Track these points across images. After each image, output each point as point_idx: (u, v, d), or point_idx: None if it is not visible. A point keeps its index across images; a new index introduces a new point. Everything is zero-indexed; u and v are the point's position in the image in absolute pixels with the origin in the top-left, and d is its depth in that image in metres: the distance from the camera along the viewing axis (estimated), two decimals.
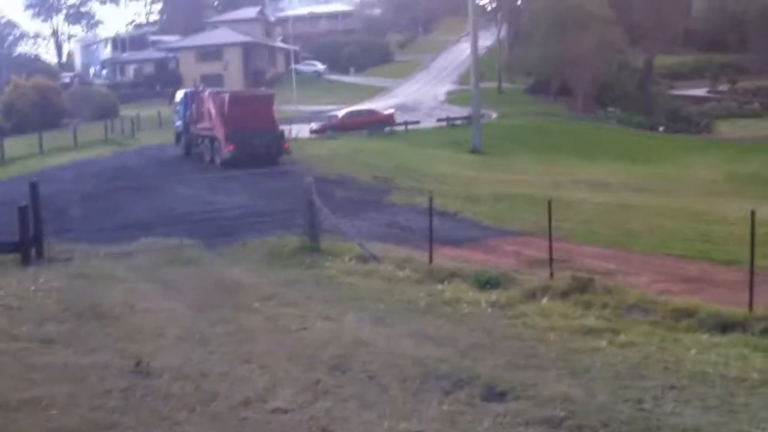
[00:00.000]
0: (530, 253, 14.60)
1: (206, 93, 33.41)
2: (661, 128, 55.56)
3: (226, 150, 29.64)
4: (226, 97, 31.42)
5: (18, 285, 11.56)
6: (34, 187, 15.01)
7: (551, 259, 11.97)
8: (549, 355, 8.26)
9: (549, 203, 12.12)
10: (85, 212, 20.49)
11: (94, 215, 20.16)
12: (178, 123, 36.12)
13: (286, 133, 32.35)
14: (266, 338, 8.94)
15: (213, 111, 31.10)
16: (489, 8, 77.60)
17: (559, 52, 56.69)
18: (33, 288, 11.26)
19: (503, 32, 75.93)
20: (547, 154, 40.18)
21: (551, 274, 11.73)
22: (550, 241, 12.03)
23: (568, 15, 56.47)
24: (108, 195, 23.05)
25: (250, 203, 21.27)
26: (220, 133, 30.26)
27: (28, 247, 14.29)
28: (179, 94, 37.54)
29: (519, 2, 71.37)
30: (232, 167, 27.34)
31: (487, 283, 11.56)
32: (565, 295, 10.67)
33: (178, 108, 36.80)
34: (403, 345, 8.56)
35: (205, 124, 32.15)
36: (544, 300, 10.53)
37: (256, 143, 29.40)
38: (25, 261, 14.03)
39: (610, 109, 59.81)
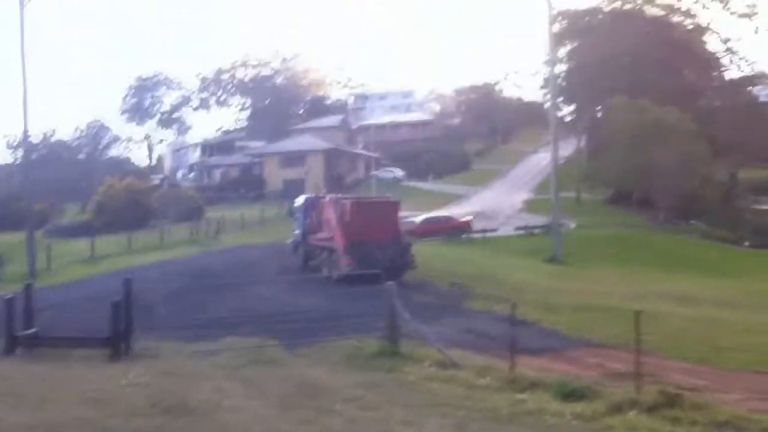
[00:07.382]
0: (614, 365, 14.30)
1: (327, 199, 31.15)
2: (746, 243, 54.06)
3: (344, 263, 26.87)
4: (348, 203, 28.94)
5: (108, 379, 11.87)
6: (127, 283, 15.58)
7: (637, 372, 11.68)
8: None
9: (636, 314, 11.91)
10: (170, 310, 21.02)
11: (179, 313, 20.67)
12: (297, 231, 33.53)
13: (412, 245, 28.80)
14: None
15: (333, 219, 28.73)
16: (568, 118, 78.42)
17: (640, 164, 56.16)
18: (123, 382, 11.54)
19: (582, 142, 76.35)
20: (627, 265, 39.49)
21: (637, 388, 11.42)
22: (637, 353, 11.77)
23: (649, 128, 56.11)
24: (192, 294, 23.64)
25: (328, 305, 21.46)
26: (339, 244, 27.83)
27: (118, 342, 14.72)
28: (299, 200, 35.02)
29: (599, 115, 71.81)
30: (349, 284, 24.37)
31: (570, 394, 11.32)
32: (652, 409, 10.36)
33: (297, 215, 34.25)
34: None
35: (324, 233, 29.71)
36: (631, 413, 10.25)
37: (378, 256, 25.70)
38: (115, 356, 14.42)
39: (693, 221, 58.72)
